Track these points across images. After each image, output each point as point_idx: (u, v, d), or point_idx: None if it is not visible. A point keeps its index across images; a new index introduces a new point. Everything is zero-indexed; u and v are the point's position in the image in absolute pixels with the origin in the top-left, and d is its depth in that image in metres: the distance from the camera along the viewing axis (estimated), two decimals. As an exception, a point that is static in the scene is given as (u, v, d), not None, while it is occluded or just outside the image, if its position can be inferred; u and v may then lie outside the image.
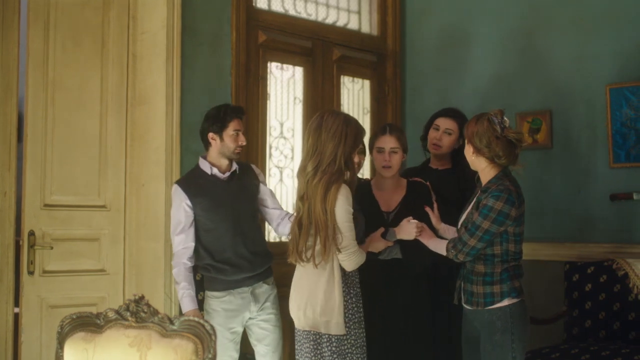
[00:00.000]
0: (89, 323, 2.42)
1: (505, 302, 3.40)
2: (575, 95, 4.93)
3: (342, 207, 3.35)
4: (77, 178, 4.29)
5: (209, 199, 3.80)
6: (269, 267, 3.95)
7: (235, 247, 3.81)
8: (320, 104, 5.19)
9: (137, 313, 2.35)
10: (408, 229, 3.64)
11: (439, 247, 3.58)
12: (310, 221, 3.38)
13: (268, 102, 4.90)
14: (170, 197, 4.25)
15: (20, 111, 4.16)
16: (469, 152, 3.47)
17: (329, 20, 5.39)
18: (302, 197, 3.45)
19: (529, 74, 5.16)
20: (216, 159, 3.86)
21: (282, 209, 4.05)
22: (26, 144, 4.15)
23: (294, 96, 5.11)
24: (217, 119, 3.83)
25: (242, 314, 3.85)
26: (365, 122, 5.53)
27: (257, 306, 3.87)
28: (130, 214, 4.43)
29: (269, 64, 4.92)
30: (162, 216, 4.29)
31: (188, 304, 3.73)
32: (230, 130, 3.81)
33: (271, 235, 4.77)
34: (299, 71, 5.12)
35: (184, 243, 3.79)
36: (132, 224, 4.42)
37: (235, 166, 3.89)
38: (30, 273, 4.12)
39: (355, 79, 5.54)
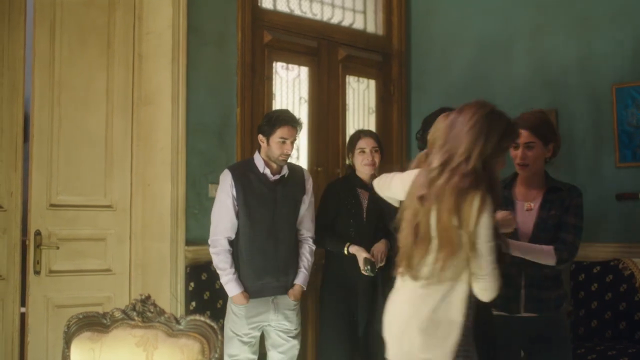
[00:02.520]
0: (95, 323, 2.43)
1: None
2: (581, 95, 4.92)
3: (487, 225, 2.65)
4: (83, 178, 4.30)
5: (253, 196, 3.85)
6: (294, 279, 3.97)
7: (264, 249, 3.84)
8: (326, 104, 5.20)
9: (144, 313, 2.36)
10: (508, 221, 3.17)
11: (530, 250, 3.26)
12: (430, 232, 2.70)
13: (274, 102, 4.90)
14: (176, 197, 4.30)
15: (27, 111, 4.17)
16: (542, 150, 3.38)
17: (335, 20, 5.39)
18: (421, 198, 2.74)
19: (535, 73, 5.15)
20: (268, 159, 3.93)
21: (310, 230, 4.07)
22: (32, 144, 4.15)
23: (300, 96, 5.11)
24: (268, 122, 3.90)
25: (261, 321, 3.88)
26: (371, 122, 5.54)
27: (278, 315, 3.89)
28: (136, 214, 4.43)
29: (274, 64, 4.92)
30: (167, 216, 4.30)
31: (234, 289, 3.79)
32: (276, 137, 3.86)
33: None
34: (304, 71, 5.12)
35: (225, 229, 3.84)
36: (137, 223, 4.43)
37: (285, 170, 3.94)
38: (37, 273, 4.13)
39: (361, 79, 5.54)
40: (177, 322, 2.32)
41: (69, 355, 2.42)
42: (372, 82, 5.60)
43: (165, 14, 4.37)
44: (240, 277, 3.83)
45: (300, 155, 5.08)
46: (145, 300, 2.37)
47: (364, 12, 5.61)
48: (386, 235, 4.08)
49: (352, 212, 4.16)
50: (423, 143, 3.65)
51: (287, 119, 3.90)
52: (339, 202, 4.19)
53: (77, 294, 4.25)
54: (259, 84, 4.77)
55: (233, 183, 3.85)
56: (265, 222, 3.85)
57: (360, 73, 5.52)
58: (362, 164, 4.17)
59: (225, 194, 3.87)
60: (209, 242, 3.94)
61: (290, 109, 5.02)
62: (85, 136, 4.32)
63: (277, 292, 3.89)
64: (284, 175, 3.94)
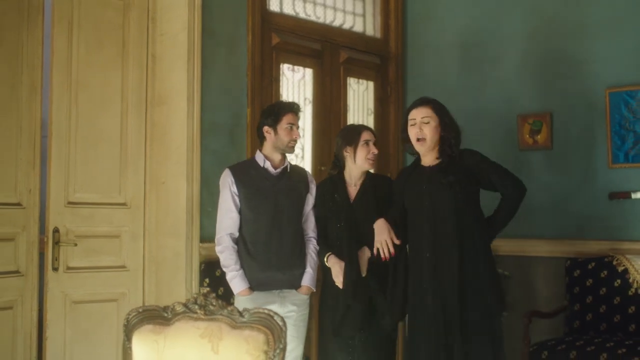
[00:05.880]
0: (155, 316, 2.51)
1: None
2: (575, 98, 5.13)
3: None
4: (99, 176, 4.37)
5: (254, 190, 3.91)
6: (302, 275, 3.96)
7: (269, 242, 3.88)
8: (329, 105, 5.33)
9: (206, 306, 2.45)
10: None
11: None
12: None
13: (281, 102, 5.02)
14: (191, 195, 4.39)
15: (45, 110, 4.23)
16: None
17: (336, 23, 5.52)
18: None
19: (530, 77, 5.35)
20: (270, 153, 3.97)
21: (314, 230, 4.07)
22: (51, 142, 4.20)
23: (304, 97, 5.23)
24: (271, 113, 3.96)
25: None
26: (370, 123, 5.67)
27: (284, 308, 3.88)
28: (150, 212, 4.51)
29: (281, 66, 5.04)
30: (182, 213, 4.39)
31: (239, 285, 3.83)
32: (284, 124, 3.92)
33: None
34: (309, 73, 5.25)
35: (228, 227, 3.90)
36: (151, 221, 4.51)
37: (287, 163, 4.00)
38: (55, 269, 4.19)
39: (360, 81, 5.69)
40: (241, 314, 2.41)
41: (130, 347, 2.50)
42: (371, 84, 5.75)
43: (180, 16, 4.45)
44: (247, 270, 3.87)
45: (304, 154, 5.21)
46: (207, 294, 2.46)
47: (364, 16, 5.76)
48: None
49: (338, 216, 4.03)
50: (403, 143, 3.94)
51: (290, 106, 4.00)
52: (327, 204, 4.07)
53: (93, 290, 4.32)
54: (267, 85, 4.88)
55: (233, 180, 3.92)
56: (268, 214, 3.89)
57: (360, 75, 5.67)
58: (366, 158, 4.02)
59: (226, 192, 3.94)
60: (215, 240, 4.01)
61: (296, 109, 5.17)
62: (101, 135, 4.38)
63: (283, 285, 3.92)
64: (286, 169, 3.99)
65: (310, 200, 4.08)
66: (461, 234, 3.64)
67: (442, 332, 3.61)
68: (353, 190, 4.08)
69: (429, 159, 3.82)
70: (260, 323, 2.39)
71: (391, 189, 4.03)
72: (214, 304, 2.45)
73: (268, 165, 3.96)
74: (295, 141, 3.98)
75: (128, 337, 2.52)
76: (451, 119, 3.78)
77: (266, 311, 2.39)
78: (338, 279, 3.92)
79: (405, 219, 3.83)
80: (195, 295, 2.48)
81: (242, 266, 3.88)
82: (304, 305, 3.97)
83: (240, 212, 3.91)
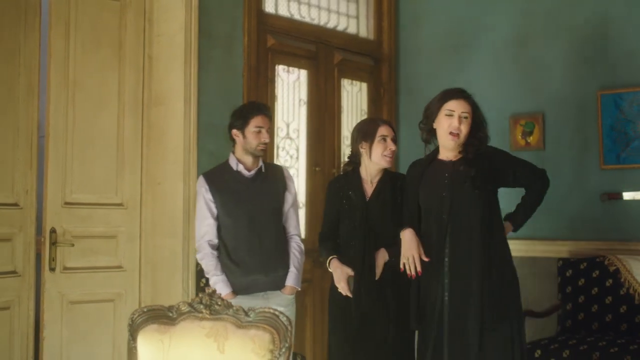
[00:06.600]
0: (160, 316, 2.52)
1: None
2: (567, 101, 5.19)
3: None
4: (96, 177, 4.38)
5: (229, 194, 3.87)
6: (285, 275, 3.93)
7: (248, 246, 3.86)
8: (323, 106, 5.37)
9: (211, 306, 2.47)
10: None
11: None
12: None
13: (276, 103, 5.05)
14: (187, 195, 4.42)
15: (42, 110, 4.23)
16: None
17: (330, 25, 5.56)
18: None
19: (522, 79, 5.40)
20: (241, 156, 3.92)
21: (296, 228, 4.03)
22: (48, 143, 4.21)
23: (299, 98, 5.26)
24: (239, 116, 3.91)
25: None
26: (363, 124, 5.71)
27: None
28: (146, 212, 4.52)
29: (276, 67, 5.07)
30: (179, 214, 4.41)
31: (222, 289, 3.78)
32: (251, 127, 3.85)
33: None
34: (303, 74, 5.28)
35: (205, 233, 3.88)
36: (147, 221, 4.52)
37: (261, 164, 3.95)
38: (52, 270, 4.19)
39: (354, 82, 5.73)
40: (246, 314, 2.43)
41: (135, 347, 2.51)
42: (364, 85, 5.79)
43: (177, 17, 4.47)
44: (229, 275, 3.85)
45: (299, 155, 5.23)
46: (212, 294, 2.48)
47: (357, 17, 5.80)
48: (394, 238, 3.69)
49: (352, 215, 3.82)
50: (425, 132, 3.64)
51: (259, 108, 3.93)
52: (340, 202, 3.88)
53: (90, 290, 4.33)
54: (263, 86, 4.91)
55: (207, 187, 3.89)
56: (245, 218, 3.86)
57: (353, 76, 5.70)
58: (382, 155, 3.76)
59: (201, 199, 3.91)
60: (196, 247, 4.00)
61: (290, 111, 5.21)
62: (97, 135, 4.39)
63: (267, 287, 3.89)
64: (260, 170, 3.93)
65: (289, 198, 4.02)
66: (485, 230, 3.46)
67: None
68: (369, 188, 3.84)
69: (451, 153, 3.58)
70: (266, 322, 2.41)
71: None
72: (219, 303, 2.47)
73: (241, 168, 3.91)
74: (265, 144, 3.90)
75: (133, 337, 2.53)
76: (484, 117, 3.63)
77: (272, 310, 2.42)
78: (339, 285, 3.74)
79: (420, 214, 3.62)
80: (200, 295, 2.50)
81: (225, 271, 3.86)
82: (289, 305, 3.93)
83: (218, 218, 3.89)
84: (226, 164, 3.98)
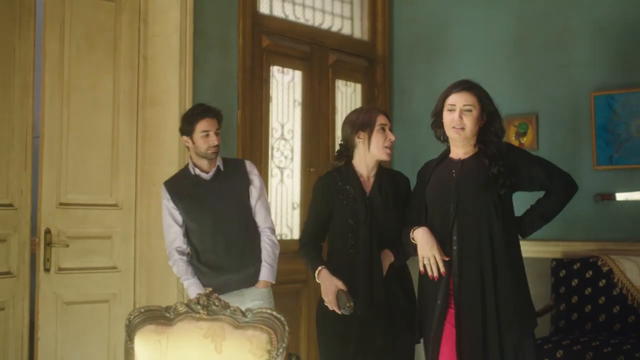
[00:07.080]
0: (157, 316, 2.53)
1: None
2: (561, 102, 5.21)
3: None
4: (90, 177, 4.38)
5: (190, 199, 3.88)
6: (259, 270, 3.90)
7: (215, 247, 3.87)
8: (318, 107, 5.38)
9: (209, 306, 2.48)
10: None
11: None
12: None
13: (270, 104, 5.06)
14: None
15: (37, 111, 4.23)
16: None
17: (325, 26, 5.57)
18: None
19: (515, 80, 5.42)
20: (196, 160, 3.90)
21: (266, 221, 3.98)
22: (42, 143, 4.22)
23: (294, 99, 5.27)
24: (186, 122, 3.88)
25: None
26: (357, 125, 5.71)
27: (244, 306, 3.76)
28: (141, 213, 4.53)
29: (271, 68, 5.08)
30: (176, 214, 4.40)
31: (194, 292, 3.77)
32: (198, 132, 3.81)
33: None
34: (298, 75, 5.29)
35: (173, 240, 3.91)
36: (142, 222, 4.52)
37: (218, 163, 3.91)
38: (47, 270, 4.19)
39: (348, 83, 5.74)
40: (244, 315, 2.45)
41: (132, 347, 2.52)
42: (359, 86, 5.81)
43: (172, 18, 4.48)
44: (202, 278, 3.87)
45: (294, 156, 5.24)
46: (210, 294, 2.50)
47: (351, 19, 5.81)
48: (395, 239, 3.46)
49: (353, 210, 3.47)
50: (437, 131, 3.40)
51: (203, 112, 3.86)
52: (332, 198, 3.52)
53: (85, 290, 4.34)
54: (257, 87, 4.91)
55: (169, 196, 3.89)
56: (208, 220, 3.85)
57: (348, 77, 5.71)
58: (383, 146, 3.48)
59: (165, 209, 3.93)
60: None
61: (285, 111, 5.21)
62: (92, 136, 4.40)
63: (240, 285, 3.89)
64: (219, 170, 3.90)
65: (254, 192, 3.96)
66: (494, 230, 3.21)
67: None
68: (366, 182, 3.53)
69: (462, 150, 3.32)
70: (263, 323, 2.43)
71: (410, 190, 3.58)
72: (217, 304, 2.49)
73: (198, 171, 3.90)
74: (216, 147, 3.83)
75: (130, 338, 2.54)
76: (496, 108, 3.33)
77: (269, 311, 2.43)
78: (327, 298, 3.38)
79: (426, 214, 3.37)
80: (197, 296, 2.51)
81: (197, 274, 3.89)
82: (265, 299, 3.90)
83: (184, 223, 3.91)
84: (186, 169, 3.98)
